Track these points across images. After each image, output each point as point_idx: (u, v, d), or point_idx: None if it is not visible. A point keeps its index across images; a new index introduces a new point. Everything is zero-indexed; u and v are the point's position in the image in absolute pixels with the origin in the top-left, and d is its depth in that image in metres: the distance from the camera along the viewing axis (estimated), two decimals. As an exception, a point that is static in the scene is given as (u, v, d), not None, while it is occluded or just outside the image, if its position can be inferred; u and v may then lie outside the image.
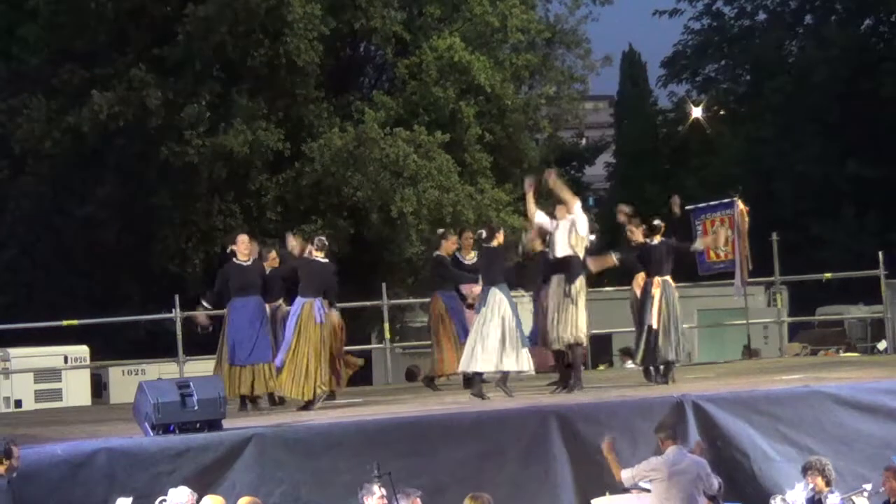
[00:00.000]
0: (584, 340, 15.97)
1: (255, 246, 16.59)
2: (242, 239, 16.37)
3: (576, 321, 15.71)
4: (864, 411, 14.38)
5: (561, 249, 15.84)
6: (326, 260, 15.73)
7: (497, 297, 15.62)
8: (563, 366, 16.20)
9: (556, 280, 15.89)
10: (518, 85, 28.99)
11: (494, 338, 15.45)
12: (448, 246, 17.67)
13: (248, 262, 16.20)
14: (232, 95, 25.92)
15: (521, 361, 15.53)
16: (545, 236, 16.20)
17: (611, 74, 42.09)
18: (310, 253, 15.75)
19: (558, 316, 15.76)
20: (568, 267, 15.78)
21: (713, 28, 42.07)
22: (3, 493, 11.21)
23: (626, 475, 12.54)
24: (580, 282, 15.82)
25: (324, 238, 16.14)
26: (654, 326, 16.13)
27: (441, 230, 18.49)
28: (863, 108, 36.86)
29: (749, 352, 22.88)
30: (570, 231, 15.81)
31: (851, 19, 39.81)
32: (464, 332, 16.99)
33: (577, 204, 15.94)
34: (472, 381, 15.75)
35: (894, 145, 35.88)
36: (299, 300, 15.48)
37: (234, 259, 16.25)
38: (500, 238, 16.03)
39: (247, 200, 26.28)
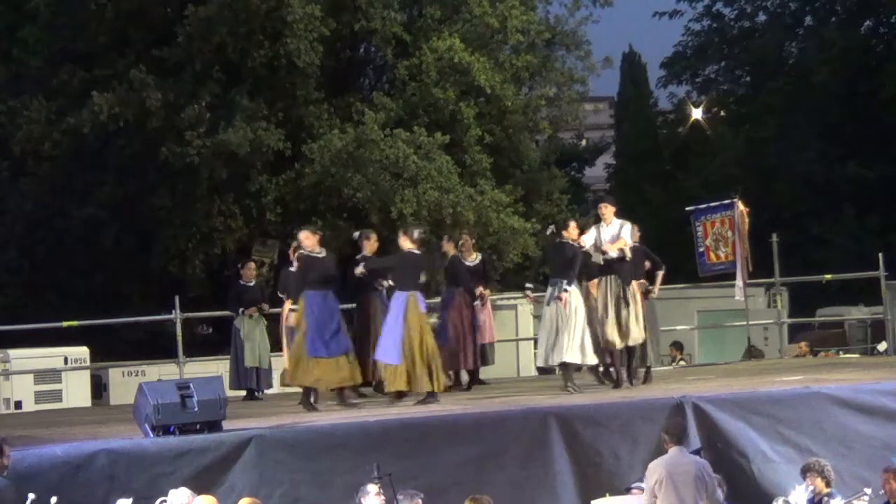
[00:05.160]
0: (641, 339, 16.22)
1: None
2: (304, 234, 16.18)
3: (635, 321, 16.02)
4: (864, 413, 14.37)
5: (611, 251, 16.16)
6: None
7: (574, 292, 15.85)
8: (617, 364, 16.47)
9: (607, 281, 16.09)
10: (518, 86, 28.98)
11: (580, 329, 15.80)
12: (370, 246, 17.49)
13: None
14: (232, 96, 25.91)
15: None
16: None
17: (611, 76, 42.15)
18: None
19: (616, 316, 15.97)
20: (620, 268, 16.03)
21: (713, 29, 42.04)
22: (9, 489, 11.22)
23: (645, 500, 12.53)
24: (634, 283, 16.13)
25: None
26: None
27: (357, 232, 18.34)
28: (863, 109, 36.86)
29: (751, 352, 22.90)
30: (618, 236, 16.11)
31: (852, 20, 39.79)
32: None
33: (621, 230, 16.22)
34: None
35: (895, 146, 35.88)
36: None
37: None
38: (570, 232, 16.11)
39: (247, 201, 26.28)
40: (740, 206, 20.65)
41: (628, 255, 16.13)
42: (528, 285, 17.34)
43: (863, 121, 36.74)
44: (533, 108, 29.22)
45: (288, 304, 16.50)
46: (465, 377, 18.04)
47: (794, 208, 36.64)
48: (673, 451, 12.39)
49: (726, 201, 21.06)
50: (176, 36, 25.85)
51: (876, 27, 40.24)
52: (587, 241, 16.18)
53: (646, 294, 16.76)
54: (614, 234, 16.13)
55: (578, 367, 16.25)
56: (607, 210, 16.33)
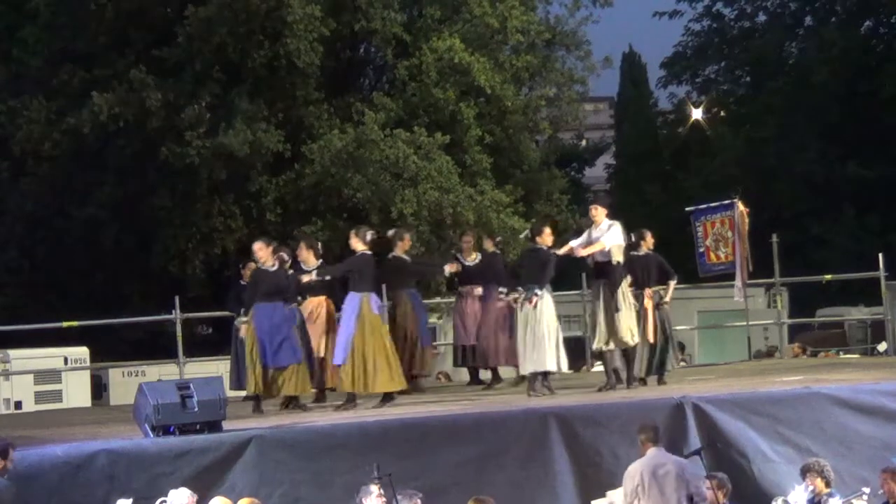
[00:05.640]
0: (631, 343, 16.05)
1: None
2: (258, 246, 16.24)
3: (621, 325, 15.86)
4: (864, 413, 14.37)
5: (599, 255, 15.98)
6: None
7: (545, 297, 15.78)
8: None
9: (597, 285, 16.01)
10: (518, 86, 28.97)
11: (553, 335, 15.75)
12: (403, 246, 17.61)
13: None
14: (232, 97, 25.91)
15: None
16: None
17: (611, 76, 42.15)
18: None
19: (606, 321, 15.86)
20: (609, 272, 15.88)
21: (713, 29, 42.07)
22: (8, 490, 11.23)
23: None
24: (624, 286, 15.96)
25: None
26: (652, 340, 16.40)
27: (392, 231, 18.41)
28: (863, 109, 36.88)
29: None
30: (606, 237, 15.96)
31: (852, 20, 39.82)
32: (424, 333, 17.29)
33: (607, 233, 16.02)
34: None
35: (895, 146, 35.89)
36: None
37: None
38: (545, 237, 16.04)
39: (247, 202, 26.29)
40: (740, 206, 20.63)
41: (617, 257, 16.00)
42: (501, 289, 17.23)
43: (863, 121, 36.76)
44: (533, 108, 29.20)
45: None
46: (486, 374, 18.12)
47: (794, 208, 36.66)
48: (651, 451, 12.43)
49: (726, 201, 21.02)
50: (176, 36, 25.85)
51: (876, 27, 40.26)
52: (575, 244, 16.17)
53: (658, 304, 16.60)
54: (603, 235, 16.01)
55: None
56: (597, 211, 16.20)
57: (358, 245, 15.80)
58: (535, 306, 15.63)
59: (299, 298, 16.41)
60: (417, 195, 25.27)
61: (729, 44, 41.91)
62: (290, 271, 16.34)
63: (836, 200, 36.57)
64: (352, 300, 15.57)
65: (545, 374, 15.91)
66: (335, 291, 16.65)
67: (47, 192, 26.94)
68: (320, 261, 16.77)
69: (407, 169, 25.40)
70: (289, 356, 15.63)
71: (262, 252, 15.96)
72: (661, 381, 16.63)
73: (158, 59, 26.02)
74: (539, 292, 15.66)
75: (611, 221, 16.12)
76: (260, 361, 15.51)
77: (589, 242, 16.04)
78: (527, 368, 15.91)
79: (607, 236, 15.93)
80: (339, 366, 15.50)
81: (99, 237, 26.65)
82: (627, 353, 16.14)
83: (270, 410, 16.22)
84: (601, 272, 16.04)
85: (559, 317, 16.16)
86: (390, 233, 18.16)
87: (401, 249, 17.60)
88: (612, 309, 15.85)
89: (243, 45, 25.91)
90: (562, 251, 16.28)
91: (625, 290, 15.99)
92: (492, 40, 28.03)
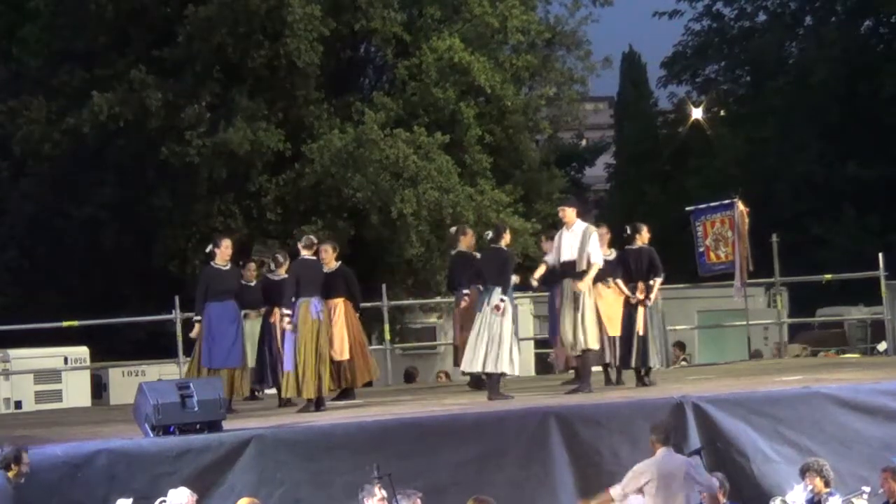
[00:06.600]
0: (594, 345, 15.84)
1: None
2: (226, 244, 16.27)
3: (585, 326, 15.65)
4: (864, 412, 14.37)
5: (567, 253, 15.73)
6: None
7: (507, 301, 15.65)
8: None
9: (564, 284, 15.84)
10: (518, 86, 28.98)
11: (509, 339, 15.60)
12: (466, 241, 17.62)
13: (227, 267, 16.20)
14: (232, 96, 25.93)
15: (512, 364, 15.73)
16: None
17: (611, 75, 42.19)
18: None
19: (568, 320, 15.73)
20: (576, 273, 15.72)
21: (713, 29, 42.06)
22: (8, 496, 11.23)
23: (615, 492, 12.52)
24: (635, 284, 15.98)
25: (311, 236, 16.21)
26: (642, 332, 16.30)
27: (453, 228, 18.43)
28: (863, 109, 36.86)
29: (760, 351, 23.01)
30: (581, 241, 15.67)
31: (851, 20, 39.80)
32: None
33: (590, 245, 15.78)
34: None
35: (894, 146, 35.88)
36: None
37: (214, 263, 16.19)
38: (506, 238, 16.02)
39: (247, 201, 26.30)
40: (740, 206, 20.64)
41: (594, 263, 15.89)
42: (465, 291, 17.11)
43: (863, 121, 36.74)
44: (533, 108, 29.21)
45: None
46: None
47: (794, 208, 36.64)
48: (661, 451, 12.44)
49: (726, 201, 21.04)
50: (176, 36, 25.87)
51: (876, 27, 40.24)
52: (549, 259, 16.02)
53: (643, 300, 16.45)
54: (576, 240, 15.60)
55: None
56: (565, 213, 15.78)
57: (301, 251, 15.81)
58: (503, 313, 15.53)
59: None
60: (417, 195, 25.28)
61: (729, 43, 41.90)
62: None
63: (836, 200, 36.55)
64: (294, 306, 15.52)
65: (500, 377, 15.81)
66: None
67: (47, 192, 26.97)
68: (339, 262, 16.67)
69: (407, 169, 25.40)
70: (235, 359, 15.76)
71: (226, 251, 16.03)
72: (647, 377, 16.47)
73: (158, 59, 26.04)
74: (504, 298, 15.53)
75: (584, 225, 15.79)
76: (201, 360, 15.65)
77: (560, 245, 15.74)
78: (482, 367, 15.76)
79: (594, 251, 15.61)
80: (286, 371, 15.50)
81: (99, 237, 26.68)
82: (584, 355, 15.97)
83: (273, 410, 16.24)
84: (567, 272, 15.80)
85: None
86: (452, 230, 18.17)
87: (465, 244, 17.57)
88: (576, 309, 15.67)
89: (243, 45, 25.92)
90: (537, 275, 16.11)
91: (587, 290, 15.67)
92: (492, 40, 28.04)
